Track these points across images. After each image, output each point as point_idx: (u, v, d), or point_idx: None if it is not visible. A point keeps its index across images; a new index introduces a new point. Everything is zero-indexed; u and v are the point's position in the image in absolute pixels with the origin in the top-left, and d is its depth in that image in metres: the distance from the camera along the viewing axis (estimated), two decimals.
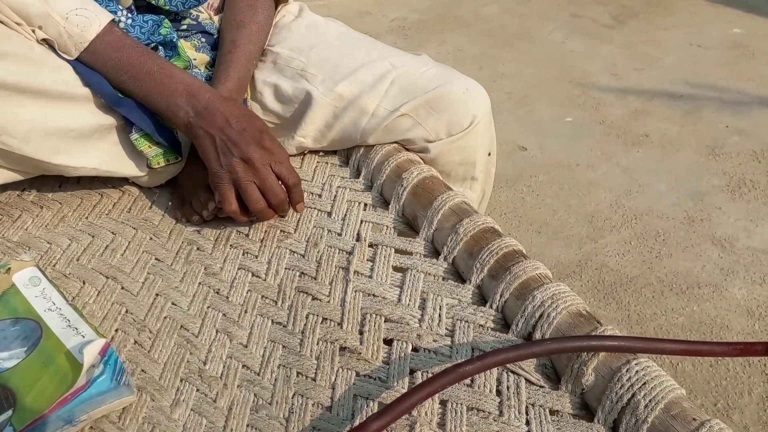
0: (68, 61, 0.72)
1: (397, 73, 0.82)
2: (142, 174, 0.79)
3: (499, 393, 0.54)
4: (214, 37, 0.88)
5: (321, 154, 0.87)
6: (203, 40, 0.86)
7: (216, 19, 0.89)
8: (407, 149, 0.83)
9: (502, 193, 1.72)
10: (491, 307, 0.61)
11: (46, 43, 0.71)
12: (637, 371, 0.50)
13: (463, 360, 0.52)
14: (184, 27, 0.85)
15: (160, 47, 0.79)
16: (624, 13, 2.70)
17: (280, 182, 0.72)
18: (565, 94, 2.18)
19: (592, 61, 2.38)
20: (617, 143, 1.91)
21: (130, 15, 0.77)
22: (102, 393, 0.52)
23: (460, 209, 0.70)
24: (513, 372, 0.56)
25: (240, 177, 0.69)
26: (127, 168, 0.77)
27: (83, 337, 0.56)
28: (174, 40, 0.80)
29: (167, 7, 0.80)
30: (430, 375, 0.56)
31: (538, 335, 0.57)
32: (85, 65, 0.72)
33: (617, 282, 1.43)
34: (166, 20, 0.80)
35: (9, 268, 0.65)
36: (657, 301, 1.39)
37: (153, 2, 0.79)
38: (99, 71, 0.72)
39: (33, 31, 0.69)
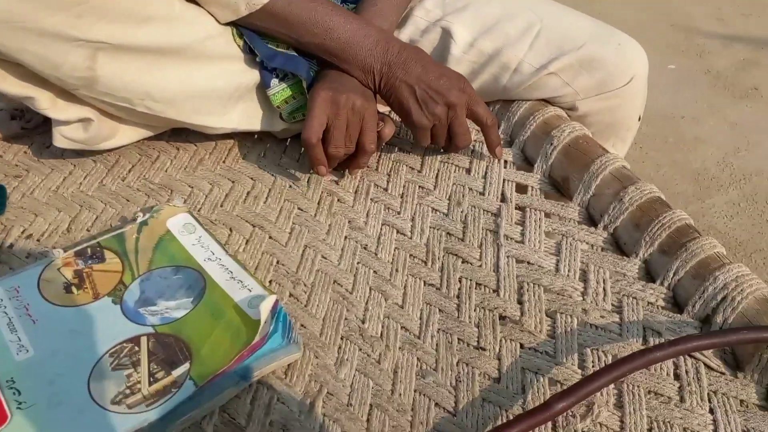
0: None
1: (543, 24, 0.76)
2: (277, 129, 0.77)
3: (677, 377, 0.52)
4: None
5: None
6: None
7: None
8: (552, 104, 0.78)
9: None
10: (662, 284, 0.58)
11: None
12: None
13: (652, 345, 0.49)
14: None
15: None
16: None
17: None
18: (666, 40, 2.06)
19: (695, 4, 2.22)
20: (724, 95, 1.80)
21: None
22: (274, 350, 0.52)
23: (621, 175, 0.66)
24: (690, 356, 0.53)
25: (442, 122, 0.69)
26: (264, 125, 0.75)
27: (249, 291, 0.56)
28: None
29: None
30: (600, 353, 0.54)
31: (718, 319, 0.54)
32: (249, 26, 0.70)
33: (725, 245, 1.35)
34: None
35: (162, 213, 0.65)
36: None
37: None
38: (276, 29, 0.69)
39: None
